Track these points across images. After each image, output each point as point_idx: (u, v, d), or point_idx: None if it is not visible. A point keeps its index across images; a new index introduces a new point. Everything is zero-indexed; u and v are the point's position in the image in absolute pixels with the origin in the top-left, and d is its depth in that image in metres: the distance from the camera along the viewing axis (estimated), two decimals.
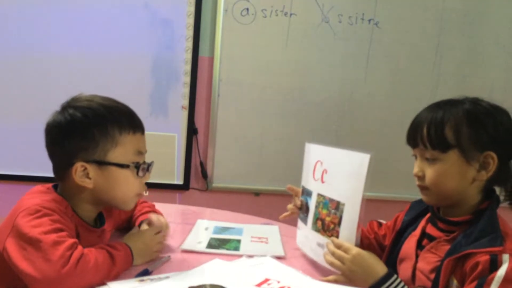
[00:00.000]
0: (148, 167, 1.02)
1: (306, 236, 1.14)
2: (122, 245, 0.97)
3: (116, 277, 0.90)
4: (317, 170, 1.12)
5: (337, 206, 1.03)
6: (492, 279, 0.84)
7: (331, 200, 1.06)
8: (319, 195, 1.11)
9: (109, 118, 0.95)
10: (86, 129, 0.93)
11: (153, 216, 1.17)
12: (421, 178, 1.01)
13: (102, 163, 0.95)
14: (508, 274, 0.84)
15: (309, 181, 1.16)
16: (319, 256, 1.06)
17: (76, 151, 0.93)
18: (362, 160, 0.99)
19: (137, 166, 0.99)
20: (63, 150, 0.95)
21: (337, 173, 1.06)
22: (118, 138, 0.95)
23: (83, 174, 0.94)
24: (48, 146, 0.98)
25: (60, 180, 0.99)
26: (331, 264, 1.00)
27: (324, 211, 1.08)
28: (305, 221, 1.16)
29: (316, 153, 1.15)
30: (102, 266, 0.86)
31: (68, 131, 0.94)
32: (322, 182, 1.10)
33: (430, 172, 0.98)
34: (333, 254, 1.00)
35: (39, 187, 0.98)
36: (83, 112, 0.94)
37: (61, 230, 0.85)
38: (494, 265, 0.85)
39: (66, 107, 0.96)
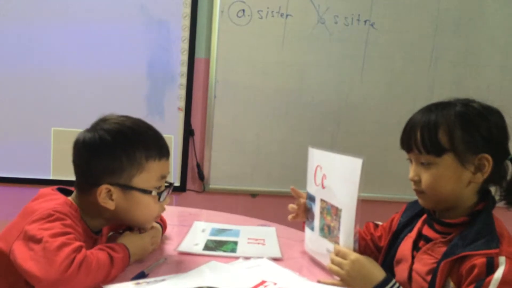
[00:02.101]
0: (169, 190, 1.05)
1: (315, 242, 1.14)
2: (121, 246, 0.97)
3: (113, 278, 0.90)
4: (317, 175, 1.12)
5: (337, 212, 1.04)
6: (489, 282, 0.84)
7: (332, 206, 1.06)
8: (322, 200, 1.11)
9: (138, 144, 0.97)
10: (115, 153, 0.95)
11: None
12: (417, 182, 1.00)
13: (126, 187, 0.96)
14: (504, 277, 0.84)
15: (312, 186, 1.16)
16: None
17: (103, 173, 0.95)
18: (355, 165, 0.98)
19: (160, 193, 1.01)
20: (90, 170, 0.96)
21: (334, 178, 1.06)
22: (145, 165, 0.97)
23: (107, 195, 0.96)
24: (74, 162, 0.99)
25: (82, 193, 0.99)
26: (330, 270, 1.00)
27: (329, 217, 1.08)
28: (311, 227, 1.17)
29: (316, 158, 1.15)
30: (103, 268, 0.87)
31: (97, 153, 0.96)
32: (323, 187, 1.10)
33: (425, 177, 0.98)
34: (332, 260, 1.00)
35: (46, 190, 0.98)
36: (113, 135, 0.96)
37: (69, 233, 0.86)
38: (491, 267, 0.85)
39: (96, 127, 0.98)
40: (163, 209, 1.07)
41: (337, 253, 1.00)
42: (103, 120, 1.00)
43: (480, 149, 0.94)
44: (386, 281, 0.94)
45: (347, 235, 1.00)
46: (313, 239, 1.16)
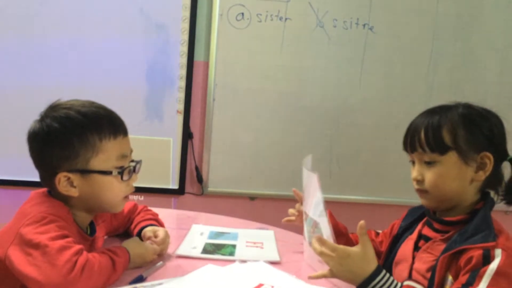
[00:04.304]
0: (134, 168, 1.01)
1: (310, 251, 1.12)
2: (123, 251, 0.96)
3: (113, 283, 0.90)
4: (303, 188, 1.15)
5: (316, 224, 1.04)
6: (484, 272, 0.86)
7: (311, 218, 1.08)
8: (305, 212, 1.13)
9: (88, 126, 0.93)
10: (65, 140, 0.92)
11: (160, 232, 1.14)
12: (420, 182, 1.02)
13: (84, 172, 0.94)
14: (500, 268, 0.85)
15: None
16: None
17: (57, 161, 0.93)
18: (313, 179, 1.01)
19: (121, 171, 0.97)
20: (44, 160, 0.94)
21: (307, 190, 1.10)
22: (99, 146, 0.94)
23: (67, 183, 0.93)
24: (30, 155, 0.97)
25: (48, 187, 0.98)
26: (321, 254, 0.97)
27: (310, 229, 1.09)
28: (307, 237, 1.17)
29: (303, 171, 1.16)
30: (105, 272, 0.87)
31: (47, 142, 0.93)
32: (304, 200, 1.13)
33: (429, 175, 1.00)
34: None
35: (36, 193, 0.97)
36: (60, 122, 0.92)
37: (67, 236, 0.85)
38: (487, 259, 0.87)
39: (44, 116, 0.95)
40: (131, 189, 1.02)
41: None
42: (51, 108, 0.96)
43: (482, 147, 0.97)
44: (375, 274, 0.93)
45: None
46: (308, 249, 1.15)
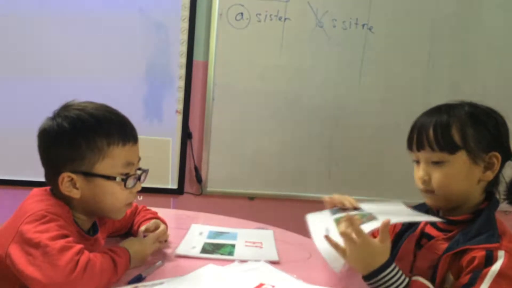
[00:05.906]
0: (140, 177, 1.01)
1: (326, 229, 1.05)
2: (123, 251, 0.96)
3: (114, 283, 0.90)
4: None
5: (372, 218, 1.01)
6: (486, 273, 0.86)
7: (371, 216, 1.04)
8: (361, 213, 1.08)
9: (98, 130, 0.94)
10: (73, 140, 0.92)
11: (150, 223, 1.16)
12: (426, 181, 1.01)
13: (88, 175, 0.94)
14: (502, 270, 0.85)
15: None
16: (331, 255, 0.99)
17: (63, 161, 0.93)
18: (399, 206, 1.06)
19: (125, 179, 0.97)
20: (50, 158, 0.95)
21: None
22: (106, 151, 0.94)
23: (70, 184, 0.93)
24: (38, 151, 0.97)
25: (51, 186, 0.98)
26: (343, 233, 0.94)
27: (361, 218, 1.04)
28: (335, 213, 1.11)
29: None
30: (107, 272, 0.86)
31: (56, 141, 0.93)
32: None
33: (437, 175, 0.99)
34: (343, 233, 0.94)
35: (38, 190, 0.97)
36: (71, 122, 0.93)
37: (67, 236, 0.85)
38: (490, 260, 0.87)
39: (56, 115, 0.96)
40: (134, 197, 1.02)
41: (352, 225, 0.93)
42: (64, 107, 0.97)
43: (490, 147, 0.97)
44: (384, 266, 0.92)
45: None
46: (325, 242, 1.03)
